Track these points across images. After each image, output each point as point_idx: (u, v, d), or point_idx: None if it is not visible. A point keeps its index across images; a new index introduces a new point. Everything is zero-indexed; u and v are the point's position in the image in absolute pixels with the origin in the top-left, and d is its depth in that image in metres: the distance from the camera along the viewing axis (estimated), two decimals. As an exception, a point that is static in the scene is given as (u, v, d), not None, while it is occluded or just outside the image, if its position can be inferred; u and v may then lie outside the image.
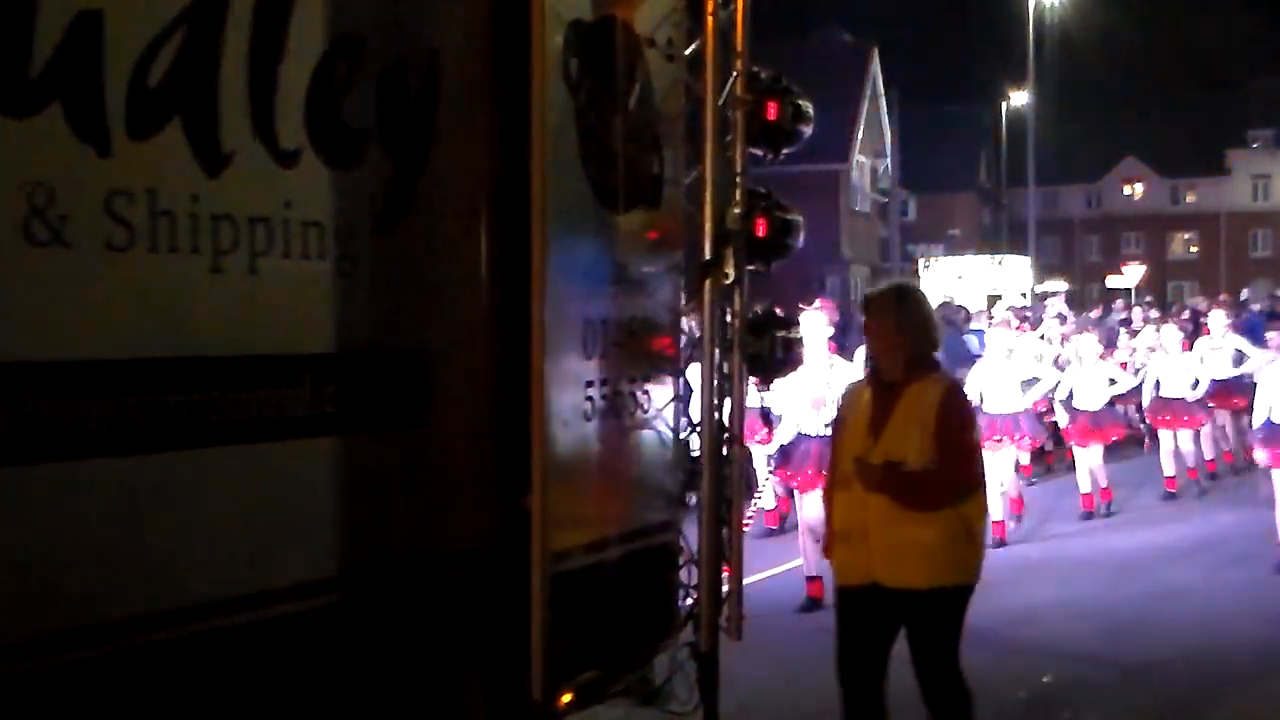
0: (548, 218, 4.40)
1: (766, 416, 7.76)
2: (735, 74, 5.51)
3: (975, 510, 4.71)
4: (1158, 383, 12.94)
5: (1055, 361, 13.64)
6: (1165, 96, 59.53)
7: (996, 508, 10.56)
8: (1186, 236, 60.29)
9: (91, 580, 3.38)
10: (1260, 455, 9.37)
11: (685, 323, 6.04)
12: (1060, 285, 39.85)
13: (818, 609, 7.86)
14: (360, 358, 4.16)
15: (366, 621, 4.16)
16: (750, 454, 10.10)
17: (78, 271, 3.32)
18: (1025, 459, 12.58)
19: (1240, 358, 13.37)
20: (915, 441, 4.56)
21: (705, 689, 5.37)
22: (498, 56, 4.55)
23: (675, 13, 5.41)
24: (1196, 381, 12.74)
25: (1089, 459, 11.76)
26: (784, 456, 8.74)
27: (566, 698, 4.68)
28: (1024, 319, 16.43)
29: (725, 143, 5.51)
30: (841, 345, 10.62)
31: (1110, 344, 15.80)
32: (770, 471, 9.79)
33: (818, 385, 8.16)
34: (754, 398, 6.89)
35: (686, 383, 5.83)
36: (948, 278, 29.05)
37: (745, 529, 6.50)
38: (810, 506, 8.12)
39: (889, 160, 41.32)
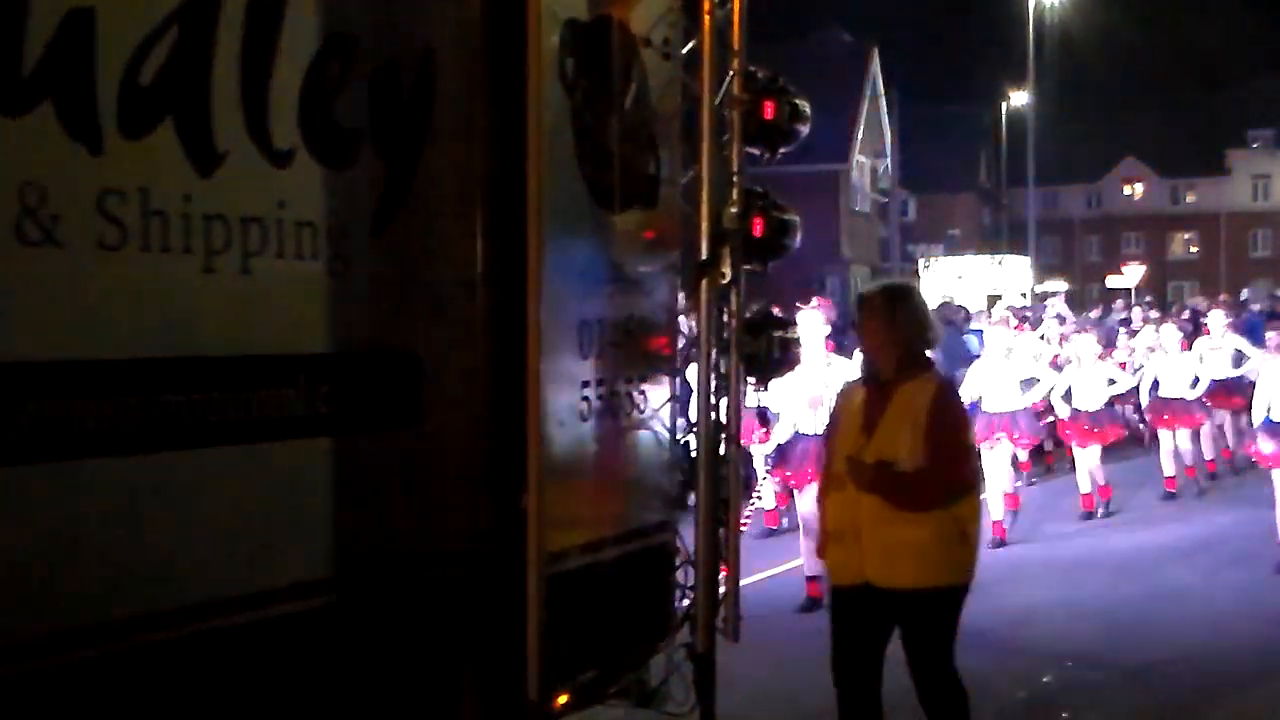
0: (543, 218, 4.39)
1: (764, 416, 7.75)
2: (732, 73, 5.49)
3: (968, 511, 4.69)
4: (1156, 382, 12.93)
5: (1054, 362, 13.63)
6: (1165, 96, 59.56)
7: (996, 507, 10.58)
8: (1186, 236, 60.29)
9: (79, 581, 3.37)
10: (1266, 446, 9.32)
11: (685, 323, 6.03)
12: (1060, 285, 39.86)
13: (817, 609, 7.84)
14: (354, 358, 4.14)
15: (362, 622, 4.14)
16: (750, 454, 10.12)
17: (70, 271, 3.30)
18: (1023, 456, 12.57)
19: (1240, 358, 13.37)
20: (907, 441, 4.55)
21: (702, 690, 5.35)
22: (492, 56, 4.54)
23: (671, 12, 5.40)
24: (1196, 380, 12.73)
25: (1087, 459, 11.76)
26: (781, 456, 8.74)
27: (563, 698, 4.67)
28: (1024, 319, 16.42)
29: (722, 142, 5.49)
30: (840, 345, 10.60)
31: (1109, 344, 15.80)
32: (768, 471, 9.79)
33: (815, 384, 8.15)
34: (751, 397, 6.89)
35: (685, 383, 5.81)
36: (948, 278, 29.02)
37: (743, 529, 6.49)
38: (807, 506, 8.11)
39: (889, 160, 41.32)
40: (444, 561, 4.47)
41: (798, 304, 10.28)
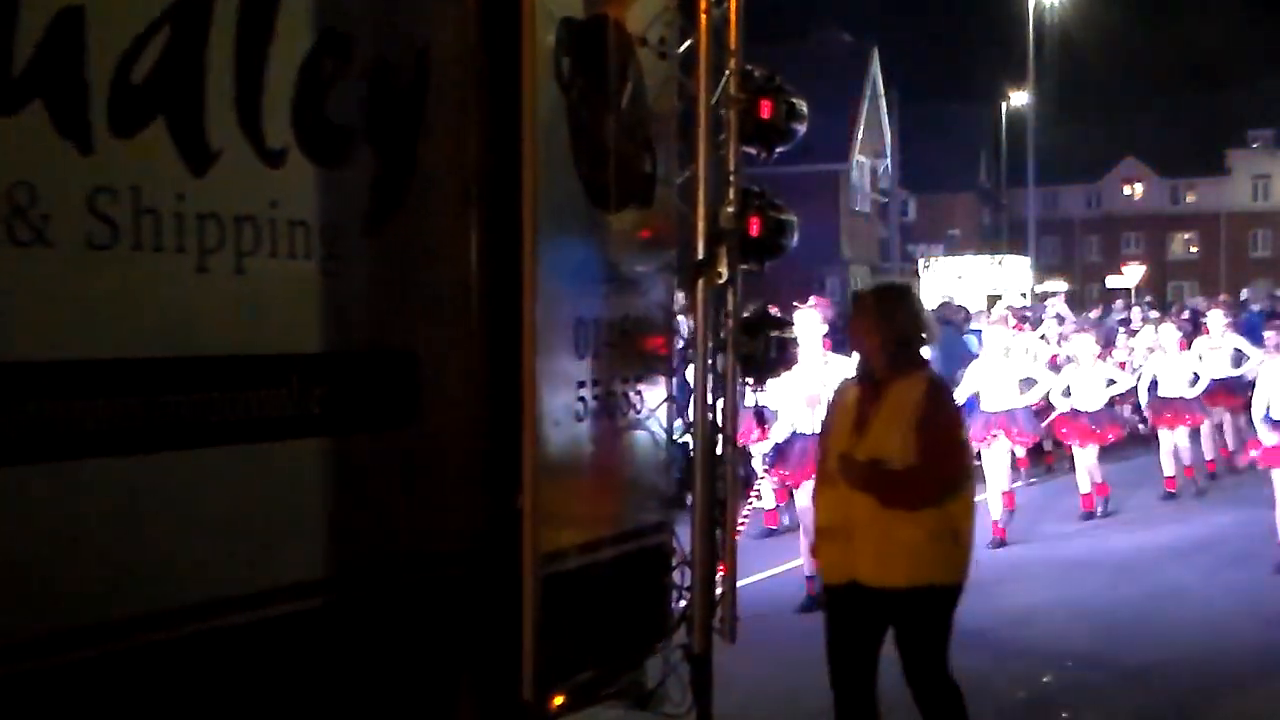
0: (539, 217, 4.39)
1: (761, 415, 7.74)
2: (728, 72, 5.47)
3: (961, 510, 4.65)
4: (1155, 382, 12.91)
5: (1053, 361, 13.61)
6: (1165, 96, 59.54)
7: (995, 507, 10.56)
8: (1186, 236, 60.27)
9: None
10: (1269, 437, 9.27)
11: (683, 323, 6.02)
12: (1060, 285, 39.85)
13: (817, 609, 7.82)
14: (348, 358, 4.13)
15: (358, 622, 4.14)
16: (748, 453, 10.10)
17: (60, 270, 3.29)
18: (1020, 453, 12.56)
19: (1240, 357, 13.35)
20: (898, 439, 4.53)
21: (698, 691, 5.33)
22: (488, 54, 4.53)
23: (668, 11, 5.38)
24: (1195, 377, 12.72)
25: (1085, 458, 11.74)
26: (779, 455, 8.72)
27: (559, 699, 4.66)
28: (1024, 319, 16.41)
29: (718, 141, 5.47)
30: (838, 344, 10.58)
31: (1109, 344, 15.78)
32: (765, 470, 9.77)
33: (813, 383, 8.13)
34: (749, 397, 6.87)
35: (683, 383, 5.80)
36: (948, 278, 29.01)
37: (741, 529, 6.48)
38: (805, 505, 8.09)
39: (889, 160, 41.33)
40: (440, 561, 4.46)
41: (795, 303, 10.26)
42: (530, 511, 4.39)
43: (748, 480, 10.14)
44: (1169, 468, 12.60)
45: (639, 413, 5.31)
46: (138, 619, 3.50)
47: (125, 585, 3.48)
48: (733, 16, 5.45)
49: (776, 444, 8.76)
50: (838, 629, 4.75)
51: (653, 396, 5.40)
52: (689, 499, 5.55)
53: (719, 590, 5.55)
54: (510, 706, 4.47)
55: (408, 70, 4.29)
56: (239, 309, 3.75)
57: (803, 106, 5.69)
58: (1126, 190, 61.45)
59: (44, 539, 3.28)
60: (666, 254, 5.52)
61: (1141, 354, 14.67)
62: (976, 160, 55.09)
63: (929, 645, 4.64)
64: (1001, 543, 10.41)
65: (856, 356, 4.89)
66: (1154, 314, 19.94)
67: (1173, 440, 12.61)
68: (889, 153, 41.15)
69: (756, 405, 7.31)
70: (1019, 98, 44.83)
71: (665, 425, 5.50)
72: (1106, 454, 12.24)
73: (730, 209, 5.45)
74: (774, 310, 6.15)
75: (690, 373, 5.69)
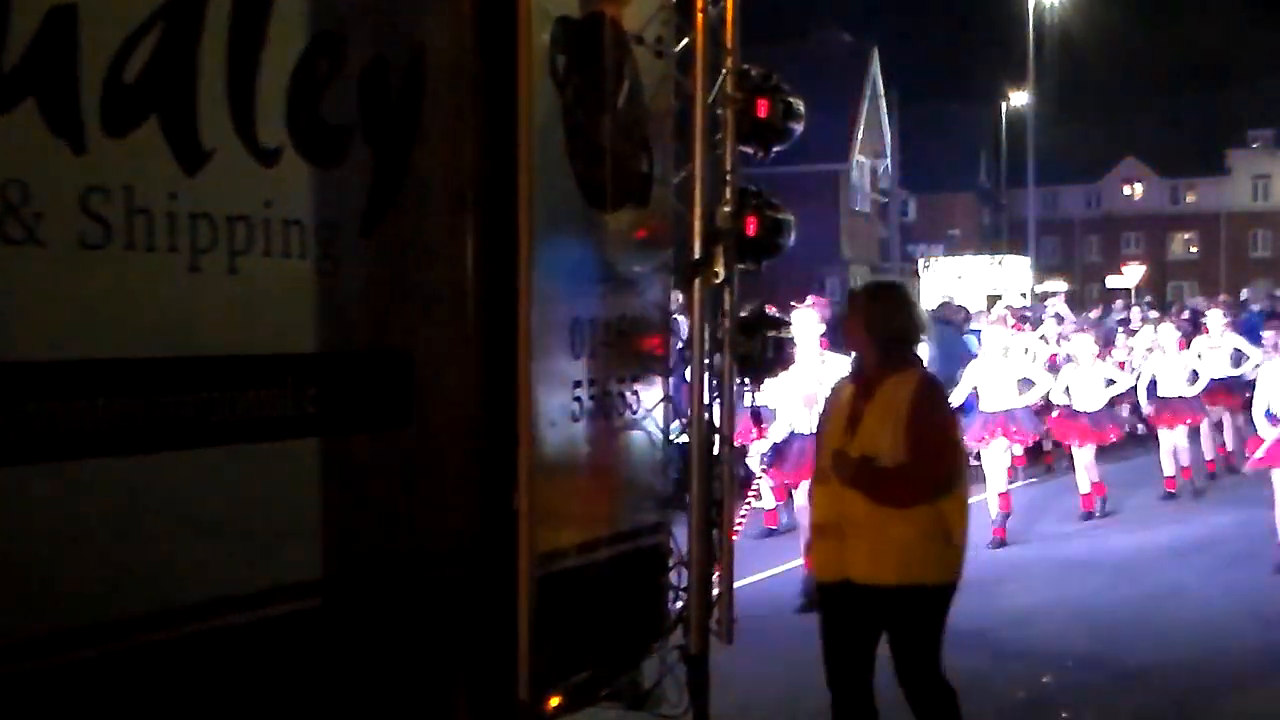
0: (534, 216, 4.37)
1: (758, 415, 7.73)
2: (725, 71, 5.46)
3: (954, 509, 4.62)
4: (1154, 382, 12.90)
5: (1051, 360, 13.60)
6: (1165, 96, 59.55)
7: (994, 508, 10.54)
8: (1186, 236, 60.26)
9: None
10: (1270, 434, 9.26)
11: (682, 322, 6.00)
12: (1060, 285, 39.83)
13: (812, 608, 7.80)
14: (343, 358, 4.11)
15: (353, 623, 4.12)
16: (744, 451, 10.09)
17: (52, 270, 3.27)
18: (1018, 450, 12.53)
19: (1239, 357, 13.34)
20: (889, 437, 4.52)
21: (695, 692, 5.32)
22: (483, 53, 4.51)
23: (664, 9, 5.37)
24: (1195, 375, 12.71)
25: (1083, 458, 11.73)
26: (778, 455, 8.71)
27: (554, 700, 4.65)
28: (1024, 319, 16.39)
29: (715, 141, 5.46)
30: (837, 343, 10.56)
31: (1108, 343, 15.76)
32: (763, 470, 9.76)
33: (810, 383, 8.12)
34: (747, 396, 6.85)
35: (680, 382, 5.78)
36: (948, 278, 28.98)
37: (739, 529, 6.46)
38: (804, 505, 8.09)
39: (889, 160, 41.31)
40: (436, 562, 4.44)
41: (792, 303, 10.25)
42: (526, 512, 4.37)
43: (746, 480, 10.12)
44: (1169, 468, 12.59)
45: (635, 413, 5.30)
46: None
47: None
48: (729, 15, 5.44)
49: (775, 444, 8.75)
50: (832, 628, 4.74)
51: (649, 396, 5.38)
52: (686, 499, 5.54)
53: (716, 591, 5.54)
54: (506, 707, 4.45)
55: (403, 69, 4.27)
56: (232, 309, 3.73)
57: (800, 106, 5.68)
58: (1126, 190, 61.44)
59: (43, 539, 3.27)
60: (663, 254, 5.51)
61: (1140, 354, 14.66)
62: (976, 160, 55.09)
63: (920, 645, 4.63)
64: (1001, 543, 10.40)
65: (852, 354, 4.89)
66: (1153, 314, 19.94)
67: (1172, 440, 12.60)
68: (889, 153, 41.13)
69: (753, 404, 7.30)
70: (1019, 98, 44.80)
71: (662, 425, 5.49)
72: (1106, 454, 12.23)
73: (727, 208, 5.44)
74: (773, 310, 6.14)
75: (688, 373, 5.68)
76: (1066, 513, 11.76)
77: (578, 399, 4.93)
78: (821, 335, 8.58)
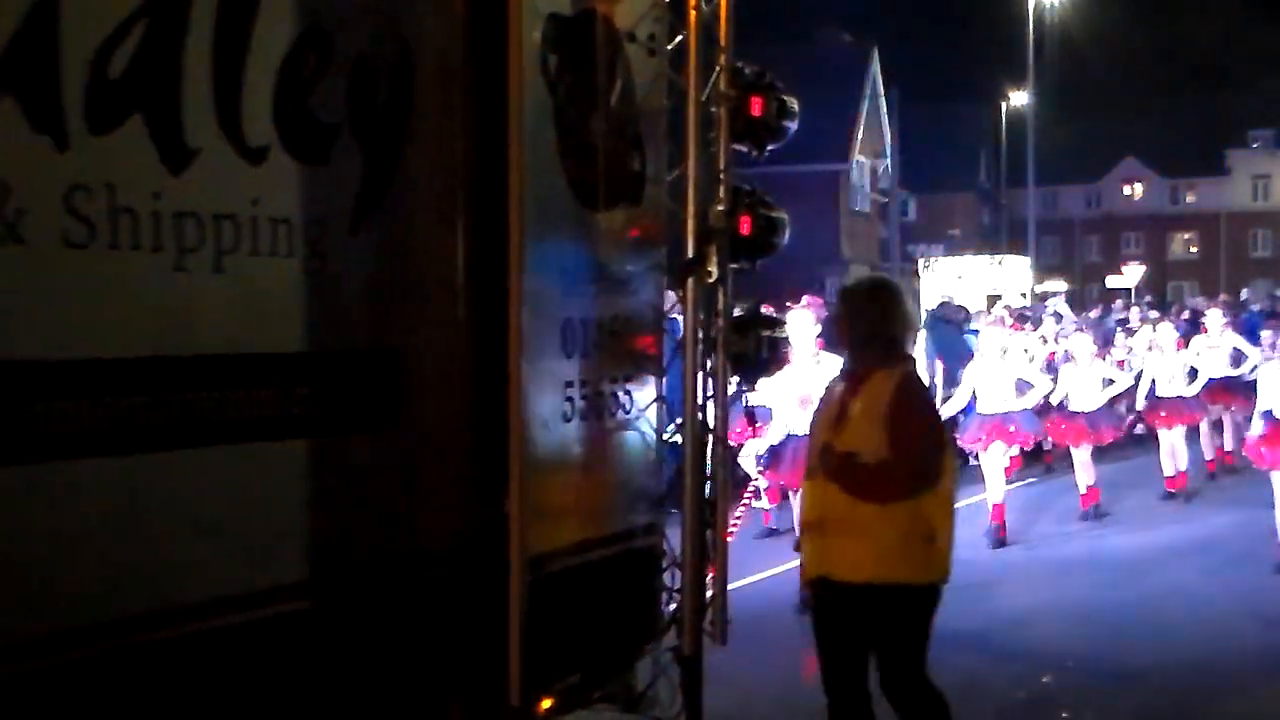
0: (526, 216, 4.34)
1: (752, 415, 7.70)
2: (719, 69, 5.43)
3: (938, 509, 4.55)
4: (1153, 382, 12.87)
5: (1050, 359, 13.56)
6: (1165, 96, 59.50)
7: (993, 510, 10.51)
8: (1186, 236, 60.24)
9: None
10: (1266, 437, 9.23)
11: (676, 322, 5.96)
12: (1060, 285, 39.83)
13: (804, 606, 7.77)
14: (332, 358, 4.08)
15: (344, 624, 4.09)
16: (737, 450, 10.06)
17: (35, 269, 3.23)
18: (1015, 451, 12.49)
19: (1239, 356, 13.32)
20: (871, 433, 4.48)
21: (689, 693, 5.29)
22: (474, 50, 4.47)
23: (657, 6, 5.33)
24: (1194, 372, 12.68)
25: (1080, 458, 11.70)
26: (774, 457, 8.68)
27: (546, 703, 4.62)
28: (1023, 319, 16.36)
29: (708, 139, 5.43)
30: (832, 343, 10.54)
31: (1107, 343, 15.74)
32: (759, 471, 9.74)
33: (805, 383, 8.09)
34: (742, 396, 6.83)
35: (674, 382, 5.74)
36: (948, 278, 28.91)
37: (733, 530, 6.43)
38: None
39: (889, 160, 41.26)
40: (426, 563, 4.41)
41: (788, 303, 10.24)
42: (517, 513, 4.34)
43: (741, 481, 10.09)
44: (1168, 468, 12.57)
45: (628, 413, 5.26)
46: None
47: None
48: (723, 13, 5.41)
49: (771, 446, 8.72)
50: (821, 626, 4.70)
51: (642, 396, 5.35)
52: (680, 499, 5.50)
53: (709, 592, 5.50)
54: (499, 710, 4.42)
55: (392, 66, 4.23)
56: (219, 308, 3.70)
57: (794, 104, 5.65)
58: (1126, 190, 61.41)
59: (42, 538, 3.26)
60: (656, 253, 5.47)
61: (1139, 354, 14.64)
62: (976, 160, 55.07)
63: (901, 648, 4.55)
64: (1002, 543, 10.36)
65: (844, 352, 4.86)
66: (1153, 314, 19.93)
67: (1171, 440, 12.58)
68: (889, 153, 41.09)
69: (747, 404, 7.28)
70: (1019, 98, 44.80)
71: (655, 425, 5.45)
72: (1106, 454, 12.20)
73: (721, 207, 5.40)
74: (769, 310, 6.11)
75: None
76: (1065, 513, 11.75)
77: (570, 399, 4.89)
78: (817, 335, 8.54)
